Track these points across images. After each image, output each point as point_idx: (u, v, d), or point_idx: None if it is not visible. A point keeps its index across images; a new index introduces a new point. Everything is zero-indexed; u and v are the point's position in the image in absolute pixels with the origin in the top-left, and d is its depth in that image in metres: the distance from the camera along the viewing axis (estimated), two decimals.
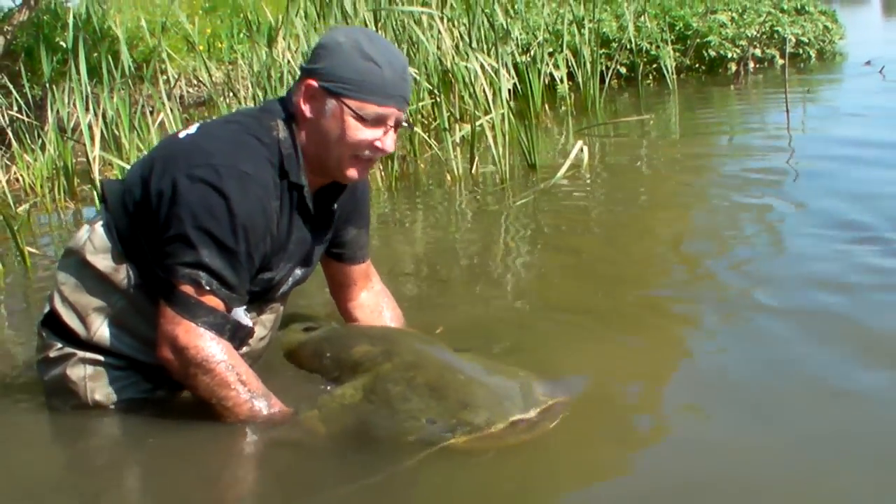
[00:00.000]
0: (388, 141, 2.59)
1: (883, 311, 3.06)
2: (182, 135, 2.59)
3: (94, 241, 2.61)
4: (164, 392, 2.69)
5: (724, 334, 3.09)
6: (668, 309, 3.39)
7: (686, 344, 3.07)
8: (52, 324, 2.67)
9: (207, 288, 2.45)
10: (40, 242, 5.43)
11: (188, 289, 2.44)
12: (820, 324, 3.02)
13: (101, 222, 2.63)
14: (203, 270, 2.44)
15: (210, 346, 2.46)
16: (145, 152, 6.04)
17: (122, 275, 2.58)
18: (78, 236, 2.67)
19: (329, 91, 2.52)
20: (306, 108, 2.56)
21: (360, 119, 2.53)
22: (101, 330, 2.61)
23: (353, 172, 2.62)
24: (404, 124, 2.66)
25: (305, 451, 2.40)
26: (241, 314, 2.58)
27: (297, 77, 2.68)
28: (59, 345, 2.66)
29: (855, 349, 2.79)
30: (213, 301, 2.46)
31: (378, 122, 2.55)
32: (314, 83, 2.54)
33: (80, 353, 2.64)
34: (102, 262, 2.59)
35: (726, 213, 4.70)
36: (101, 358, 2.64)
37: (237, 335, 2.56)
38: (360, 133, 2.54)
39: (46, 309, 2.69)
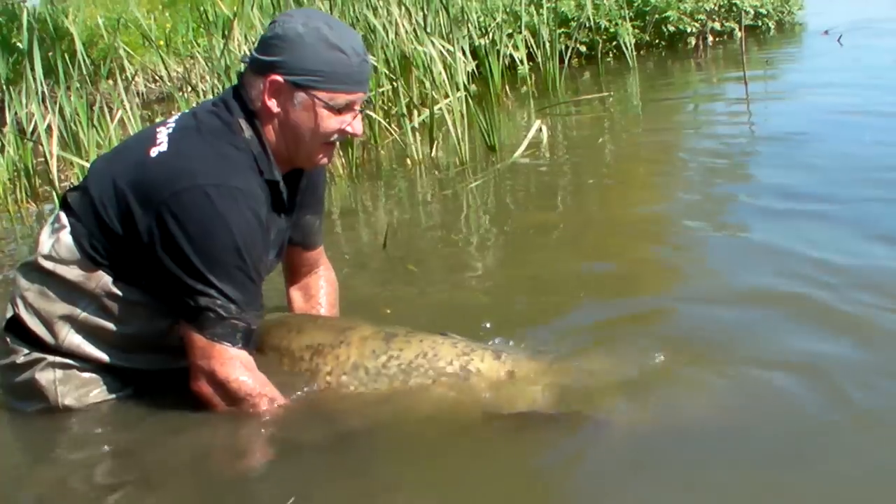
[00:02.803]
0: (357, 125, 2.60)
1: (846, 287, 3.03)
2: (153, 153, 2.47)
3: (60, 251, 2.54)
4: (134, 393, 2.68)
5: (695, 301, 3.09)
6: (636, 279, 3.41)
7: (662, 310, 3.07)
8: (17, 329, 2.62)
9: (226, 315, 2.42)
10: (3, 244, 5.40)
11: (210, 317, 2.42)
12: (786, 298, 3.00)
13: (66, 231, 2.55)
14: (219, 297, 2.41)
15: (250, 379, 2.47)
16: (104, 151, 6.03)
17: (94, 283, 2.52)
18: (41, 244, 2.59)
19: (297, 84, 2.49)
20: (272, 104, 2.51)
21: (331, 109, 2.52)
22: (69, 337, 2.58)
23: (323, 159, 2.63)
24: (367, 103, 2.67)
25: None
26: None
27: (249, 64, 2.58)
28: (26, 350, 2.62)
29: (820, 325, 2.80)
30: (234, 323, 2.45)
31: (348, 107, 2.55)
32: (279, 78, 2.48)
33: (50, 358, 2.60)
34: (71, 271, 2.53)
35: (688, 185, 4.74)
36: (70, 361, 2.61)
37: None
38: (332, 122, 2.53)
39: (10, 314, 2.62)
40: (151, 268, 2.46)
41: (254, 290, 2.48)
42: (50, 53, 7.11)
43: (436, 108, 6.00)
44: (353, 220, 4.97)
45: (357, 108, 2.58)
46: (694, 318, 2.94)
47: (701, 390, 2.41)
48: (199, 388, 2.50)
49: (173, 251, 2.40)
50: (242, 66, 2.67)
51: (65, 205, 2.62)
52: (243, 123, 2.53)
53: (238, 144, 2.50)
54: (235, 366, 2.46)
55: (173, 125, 2.56)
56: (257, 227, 2.46)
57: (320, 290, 3.06)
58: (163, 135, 2.52)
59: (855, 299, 2.89)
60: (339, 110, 2.53)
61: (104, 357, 2.61)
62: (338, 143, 2.71)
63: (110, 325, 2.56)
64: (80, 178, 5.57)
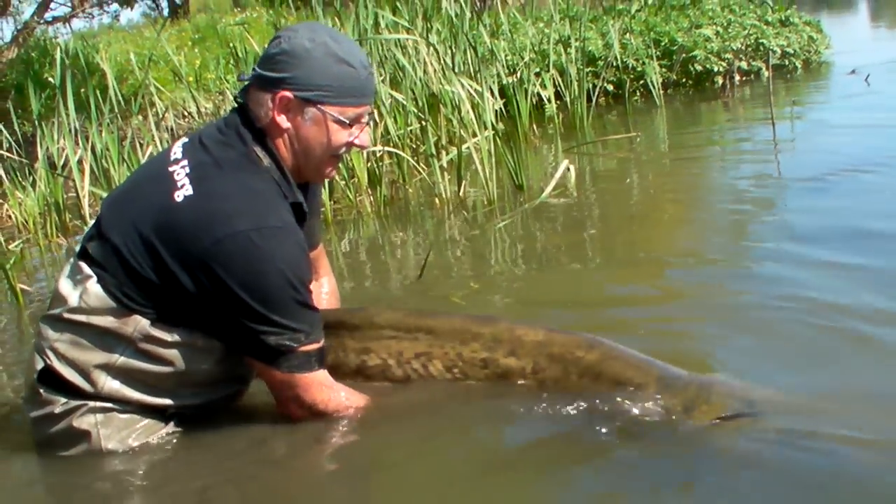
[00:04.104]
0: (365, 137, 2.66)
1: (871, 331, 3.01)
2: (178, 197, 2.46)
3: (90, 301, 2.51)
4: (176, 427, 2.68)
5: (720, 346, 3.07)
6: (658, 324, 3.38)
7: (694, 354, 3.04)
8: (50, 380, 2.57)
9: (296, 345, 2.47)
10: (34, 280, 5.44)
11: (282, 352, 2.48)
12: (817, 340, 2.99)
13: (93, 280, 2.52)
14: (285, 331, 2.45)
15: (335, 396, 2.59)
16: None
17: (131, 328, 2.50)
18: (66, 298, 2.55)
19: (307, 100, 2.52)
20: (282, 120, 2.53)
21: (341, 122, 2.56)
22: (108, 383, 2.54)
23: (329, 171, 2.69)
24: (370, 116, 2.70)
25: None
26: None
27: (253, 81, 2.61)
28: (64, 399, 2.57)
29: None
30: (305, 351, 2.50)
31: (356, 120, 2.59)
32: (288, 94, 2.51)
33: (90, 403, 2.57)
34: (104, 320, 2.50)
35: (716, 229, 4.72)
36: (110, 405, 2.59)
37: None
38: (342, 135, 2.58)
39: (40, 365, 2.57)
40: (204, 313, 2.48)
41: (312, 312, 2.52)
42: (82, 89, 7.20)
43: (464, 147, 6.02)
44: (381, 259, 4.98)
45: (364, 120, 2.63)
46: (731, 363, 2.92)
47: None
48: (287, 413, 2.61)
49: (230, 300, 2.42)
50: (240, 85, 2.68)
51: (83, 255, 2.58)
52: (259, 151, 2.55)
53: (262, 175, 2.52)
54: (318, 388, 2.55)
55: (187, 162, 2.53)
56: (302, 255, 2.51)
57: (321, 294, 3.11)
58: (181, 175, 2.50)
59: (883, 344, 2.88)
60: (347, 124, 2.57)
61: (145, 398, 2.60)
62: (345, 159, 2.76)
63: (150, 367, 2.55)
64: None
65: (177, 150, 2.59)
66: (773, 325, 3.14)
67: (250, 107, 2.58)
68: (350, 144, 2.63)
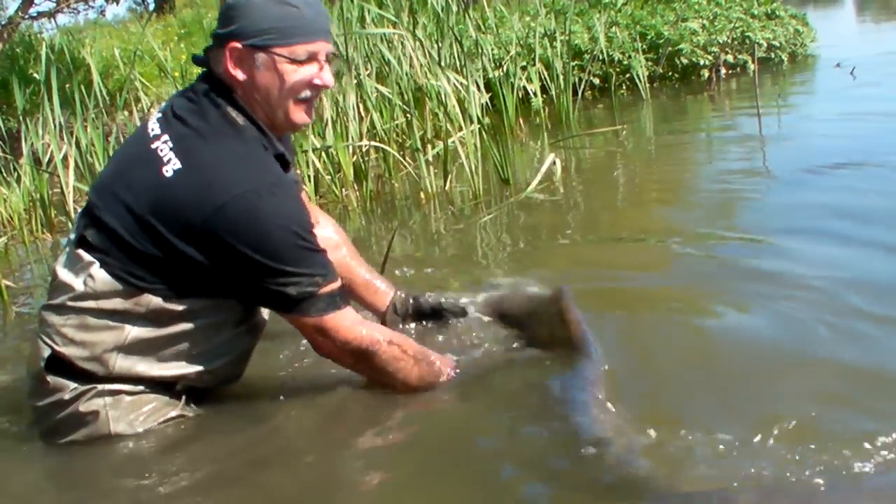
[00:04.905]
0: (326, 76, 2.65)
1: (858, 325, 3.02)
2: (167, 172, 2.49)
3: (97, 287, 2.53)
4: (183, 414, 2.70)
5: (706, 331, 3.12)
6: (645, 320, 3.39)
7: (670, 349, 3.06)
8: (59, 367, 2.59)
9: (316, 289, 2.53)
10: (19, 276, 5.42)
11: (305, 299, 2.53)
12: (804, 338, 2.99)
13: (96, 265, 2.53)
14: (303, 278, 2.52)
15: (365, 333, 2.65)
16: None
17: (143, 306, 2.53)
18: (71, 286, 2.56)
19: (255, 46, 2.55)
20: (237, 73, 2.57)
21: (293, 62, 2.57)
22: (119, 361, 2.57)
23: (300, 116, 2.67)
24: (334, 56, 2.72)
25: None
26: None
27: (210, 47, 2.64)
28: (73, 385, 2.59)
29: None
30: (327, 292, 2.56)
31: (311, 58, 2.60)
32: (237, 44, 2.55)
33: (99, 386, 2.59)
34: (113, 303, 2.53)
35: (702, 221, 4.72)
36: (119, 387, 2.61)
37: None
38: (297, 74, 2.59)
39: (47, 353, 2.59)
40: (217, 279, 2.52)
41: (323, 256, 2.58)
42: (67, 85, 7.17)
43: (450, 141, 6.01)
44: (365, 253, 4.95)
45: (322, 58, 2.62)
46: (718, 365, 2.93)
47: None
48: (325, 353, 2.70)
49: (242, 262, 2.46)
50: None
51: (80, 243, 2.59)
52: (232, 112, 2.58)
53: (242, 136, 2.56)
54: (348, 326, 2.61)
55: (168, 137, 2.56)
56: (299, 204, 2.57)
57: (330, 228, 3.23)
58: (165, 150, 2.53)
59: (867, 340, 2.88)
60: (301, 62, 2.58)
61: (155, 371, 2.62)
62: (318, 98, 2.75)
63: (161, 337, 2.58)
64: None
65: (153, 126, 2.62)
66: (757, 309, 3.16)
67: (212, 67, 2.63)
68: (311, 85, 2.63)
